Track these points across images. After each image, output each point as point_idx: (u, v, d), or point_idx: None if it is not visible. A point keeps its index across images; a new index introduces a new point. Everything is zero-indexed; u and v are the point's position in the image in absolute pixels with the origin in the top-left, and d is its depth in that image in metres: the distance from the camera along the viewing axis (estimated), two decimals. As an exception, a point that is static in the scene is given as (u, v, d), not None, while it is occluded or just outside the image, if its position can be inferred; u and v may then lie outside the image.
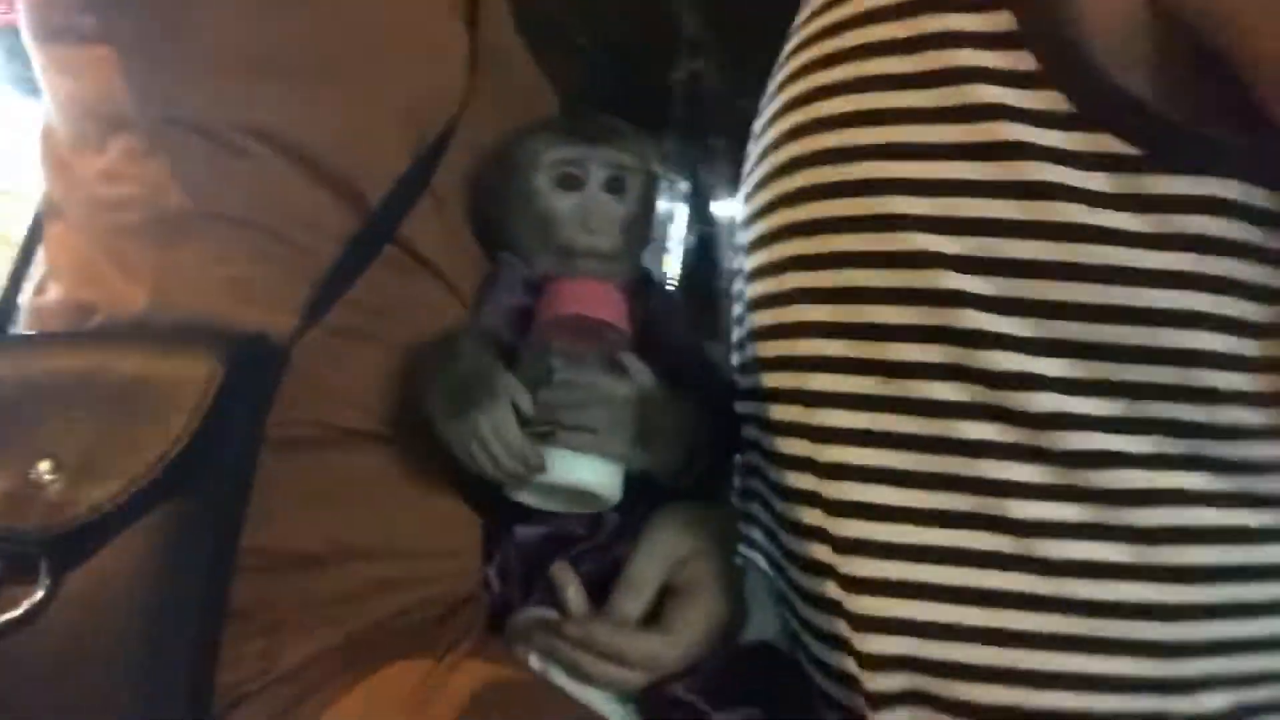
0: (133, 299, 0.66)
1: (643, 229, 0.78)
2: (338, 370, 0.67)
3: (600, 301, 0.71)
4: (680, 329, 0.79)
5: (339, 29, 0.71)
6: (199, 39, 0.68)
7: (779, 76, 0.72)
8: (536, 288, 0.73)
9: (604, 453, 0.68)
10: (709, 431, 0.72)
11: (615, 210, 0.75)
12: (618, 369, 0.70)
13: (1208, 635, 0.59)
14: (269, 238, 0.67)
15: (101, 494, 0.58)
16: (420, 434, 0.67)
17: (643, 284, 0.77)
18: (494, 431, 0.64)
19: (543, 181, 0.74)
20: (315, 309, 0.66)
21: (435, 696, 0.62)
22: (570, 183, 0.74)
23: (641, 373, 0.71)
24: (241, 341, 0.63)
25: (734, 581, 0.74)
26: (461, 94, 0.74)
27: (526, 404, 0.66)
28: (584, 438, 0.67)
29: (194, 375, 0.61)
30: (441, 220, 0.73)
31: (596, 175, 0.74)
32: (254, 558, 0.61)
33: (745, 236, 0.75)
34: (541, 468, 0.66)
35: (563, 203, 0.74)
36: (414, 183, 0.71)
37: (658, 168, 0.79)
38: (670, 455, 0.70)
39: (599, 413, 0.68)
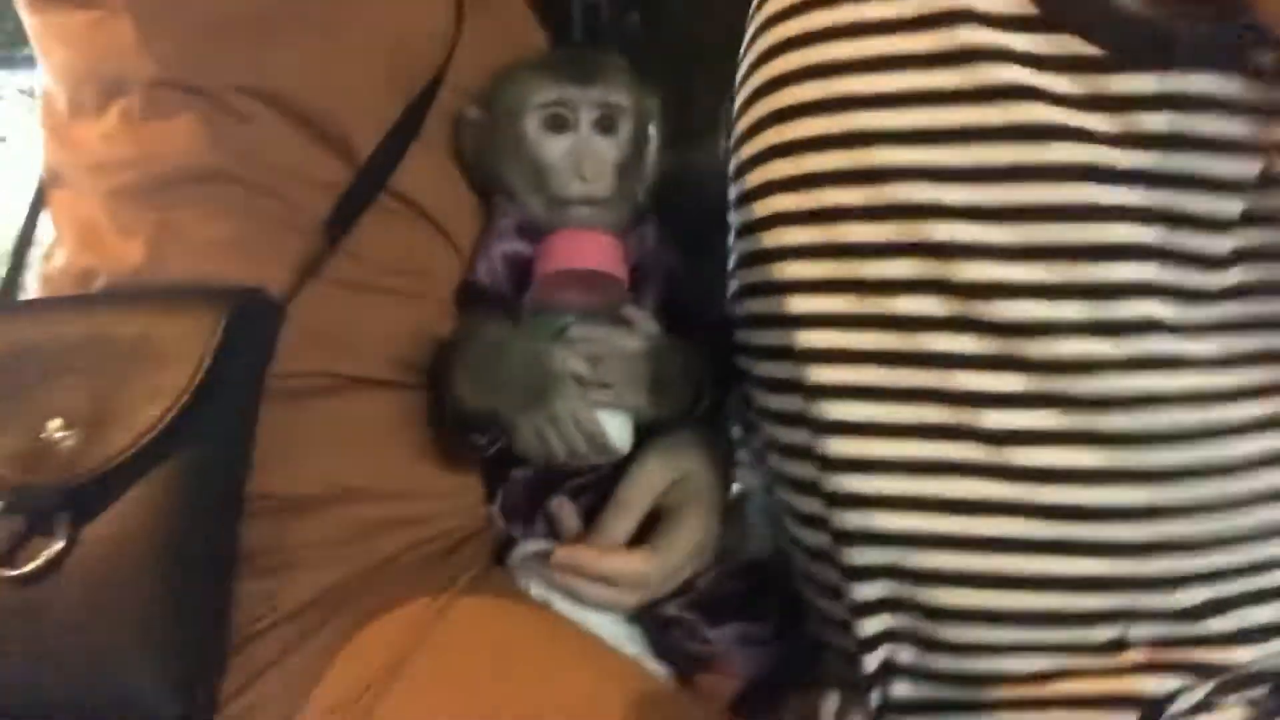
0: (131, 261, 0.68)
1: (637, 169, 0.76)
2: (337, 319, 0.69)
3: (597, 253, 0.71)
4: (675, 267, 0.79)
5: None
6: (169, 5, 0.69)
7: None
8: (532, 233, 0.73)
9: (620, 406, 0.70)
10: (713, 373, 0.73)
11: (608, 152, 0.73)
12: (622, 320, 0.72)
13: (1178, 534, 0.61)
14: (262, 194, 0.69)
15: (113, 448, 0.61)
16: (417, 378, 0.70)
17: (637, 223, 0.76)
18: (574, 419, 0.68)
19: (531, 125, 0.73)
20: (311, 262, 0.68)
21: (438, 628, 0.65)
22: (560, 125, 0.73)
23: (647, 323, 0.72)
24: (239, 296, 0.64)
25: (722, 502, 0.76)
26: (449, 39, 0.74)
27: (586, 370, 0.69)
28: (602, 393, 0.69)
29: (195, 331, 0.63)
30: (434, 167, 0.74)
31: (586, 116, 0.73)
32: (258, 502, 0.64)
33: (733, 163, 0.76)
34: (605, 441, 0.70)
35: (553, 147, 0.73)
36: (404, 131, 0.72)
37: (650, 104, 0.77)
38: (680, 401, 0.72)
39: (614, 367, 0.70)
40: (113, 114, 0.70)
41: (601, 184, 0.73)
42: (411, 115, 0.72)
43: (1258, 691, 0.61)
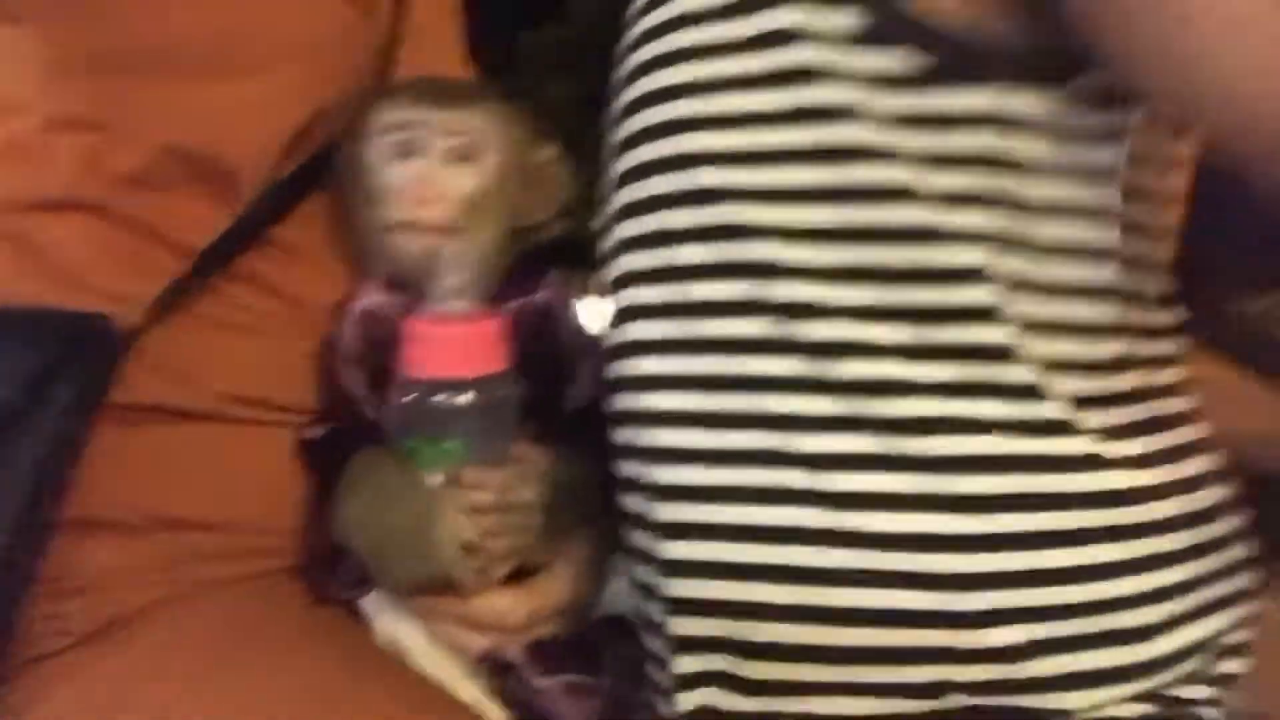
0: None
1: (502, 205, 0.71)
2: (187, 353, 0.69)
3: (462, 353, 0.66)
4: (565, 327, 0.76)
5: (227, 24, 0.71)
6: (81, 32, 0.70)
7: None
8: (400, 285, 0.71)
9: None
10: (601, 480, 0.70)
11: (458, 181, 0.69)
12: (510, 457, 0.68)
13: (993, 566, 0.58)
14: (135, 227, 0.69)
15: None
16: (261, 414, 0.70)
17: (522, 276, 0.73)
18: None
19: (376, 151, 0.69)
20: (169, 296, 0.68)
21: (244, 658, 0.63)
22: (407, 151, 0.69)
23: (538, 463, 0.68)
24: (76, 321, 0.65)
25: (594, 560, 0.73)
26: (355, 97, 0.74)
27: (475, 537, 0.66)
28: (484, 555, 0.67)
29: (24, 351, 0.63)
30: (331, 210, 0.73)
31: (438, 142, 0.69)
32: (72, 523, 0.63)
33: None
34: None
35: (397, 173, 0.69)
36: (298, 182, 0.72)
37: (529, 144, 0.73)
38: (566, 535, 0.70)
39: (502, 523, 0.67)
40: (3, 133, 0.71)
41: (436, 210, 0.68)
42: (309, 168, 0.72)
43: (1088, 742, 0.57)
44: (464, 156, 0.70)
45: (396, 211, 0.69)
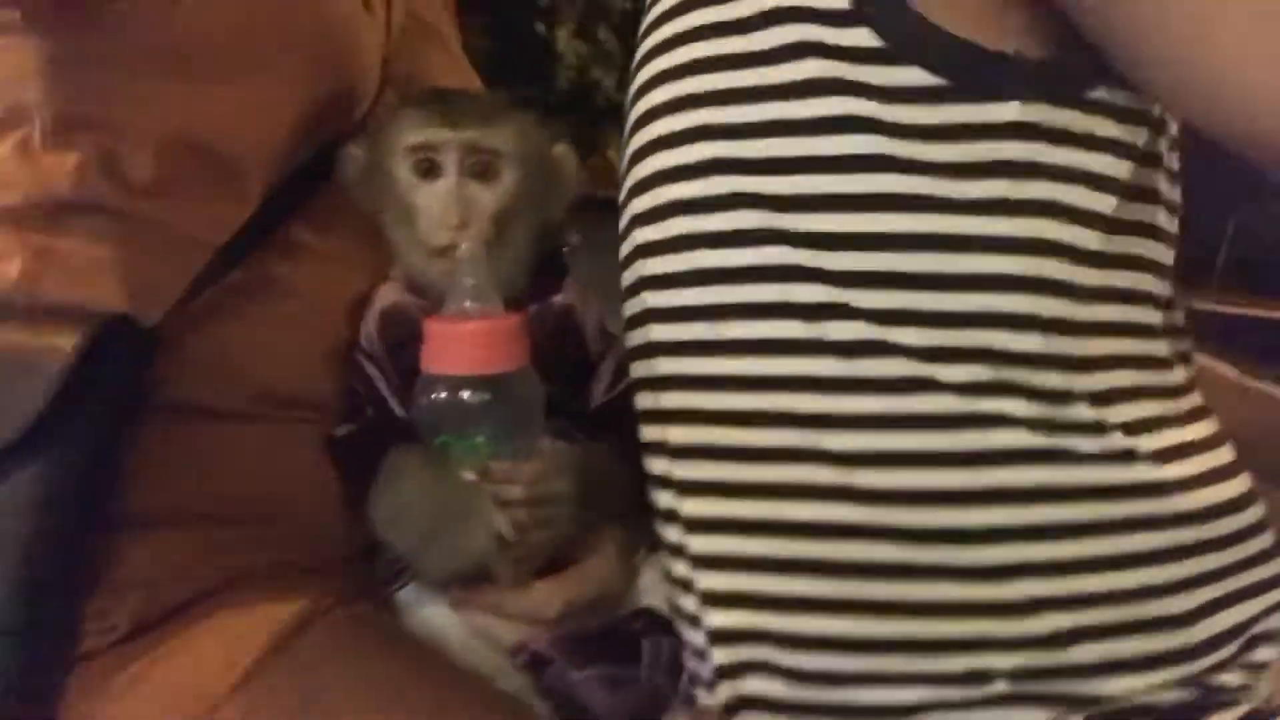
0: (7, 281, 0.67)
1: (532, 219, 0.73)
2: (211, 351, 0.69)
3: (481, 350, 0.66)
4: (587, 324, 0.77)
5: (228, 20, 0.72)
6: (99, 36, 0.70)
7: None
8: (420, 288, 0.72)
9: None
10: (630, 475, 0.70)
11: (483, 200, 0.70)
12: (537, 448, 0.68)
13: (1032, 557, 0.58)
14: (150, 227, 0.69)
15: None
16: (287, 411, 0.70)
17: (545, 277, 0.74)
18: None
19: (402, 170, 0.71)
20: (190, 294, 0.68)
21: (291, 650, 0.63)
22: (430, 171, 0.70)
23: (564, 456, 0.68)
24: (105, 319, 0.65)
25: (628, 551, 0.73)
26: (369, 94, 0.75)
27: (509, 533, 0.65)
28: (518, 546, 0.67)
29: (53, 350, 0.63)
30: (345, 209, 0.74)
31: (458, 162, 0.70)
32: (111, 523, 0.64)
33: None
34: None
35: (422, 194, 0.70)
36: (310, 178, 0.72)
37: (548, 149, 0.74)
38: (593, 524, 0.70)
39: (533, 515, 0.66)
40: (10, 140, 0.70)
41: (470, 233, 0.69)
42: (320, 162, 0.73)
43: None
44: (485, 173, 0.71)
45: (432, 237, 0.70)
